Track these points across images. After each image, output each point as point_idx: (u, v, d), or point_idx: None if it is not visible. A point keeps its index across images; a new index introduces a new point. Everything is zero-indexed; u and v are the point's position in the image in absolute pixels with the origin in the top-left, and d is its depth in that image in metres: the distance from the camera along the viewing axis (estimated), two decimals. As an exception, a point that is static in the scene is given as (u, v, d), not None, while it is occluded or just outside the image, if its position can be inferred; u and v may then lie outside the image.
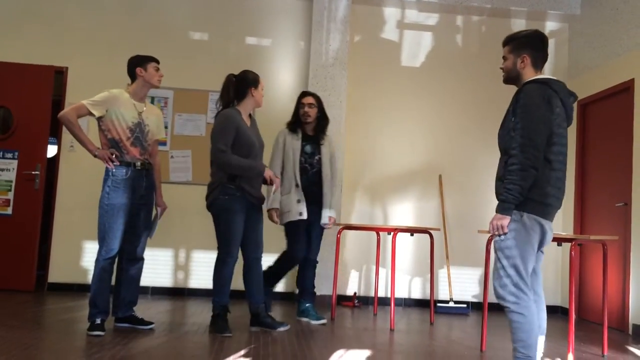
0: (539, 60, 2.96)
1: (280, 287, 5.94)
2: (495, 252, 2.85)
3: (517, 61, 2.95)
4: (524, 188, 2.70)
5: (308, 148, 4.68)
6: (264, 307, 4.22)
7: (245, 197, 4.06)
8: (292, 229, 4.56)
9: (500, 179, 2.90)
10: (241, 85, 4.15)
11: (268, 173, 4.11)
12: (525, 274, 2.78)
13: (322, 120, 4.77)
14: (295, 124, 4.73)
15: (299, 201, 4.53)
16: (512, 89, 2.99)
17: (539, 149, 2.70)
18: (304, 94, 4.80)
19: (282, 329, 4.17)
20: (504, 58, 3.01)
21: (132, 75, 4.05)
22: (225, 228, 4.04)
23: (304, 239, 4.61)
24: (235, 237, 4.04)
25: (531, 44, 2.94)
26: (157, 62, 4.12)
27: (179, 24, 6.12)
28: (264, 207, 4.32)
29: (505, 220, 2.75)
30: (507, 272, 2.78)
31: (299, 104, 4.74)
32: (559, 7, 6.21)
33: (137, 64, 4.04)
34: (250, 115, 4.25)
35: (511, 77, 3.00)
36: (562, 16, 6.32)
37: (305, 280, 4.73)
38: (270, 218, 4.57)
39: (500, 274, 2.80)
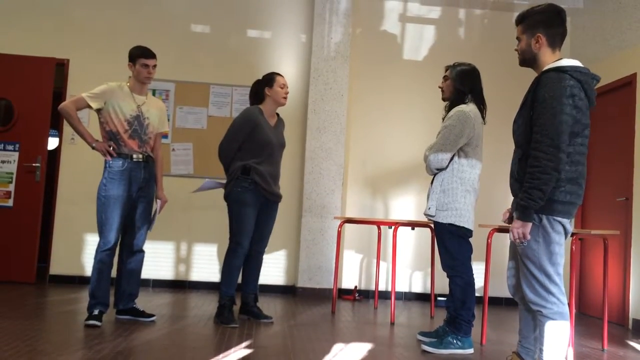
0: (557, 37, 2.67)
1: (280, 280, 5.96)
2: (521, 258, 2.65)
3: (532, 42, 2.66)
4: (545, 192, 2.48)
5: None
6: (253, 298, 4.35)
7: (258, 190, 4.13)
8: None
9: (515, 177, 2.69)
10: (258, 88, 4.30)
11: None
12: (556, 276, 2.57)
13: None
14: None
15: None
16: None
17: (561, 149, 2.46)
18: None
19: (265, 320, 4.26)
20: (518, 39, 2.73)
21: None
22: (237, 219, 4.12)
23: None
24: (246, 229, 4.12)
25: (546, 21, 2.66)
26: (149, 56, 3.99)
27: (181, 17, 6.10)
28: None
29: (528, 227, 2.54)
30: (535, 277, 2.57)
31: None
32: (562, 1, 6.15)
33: (129, 57, 4.04)
34: (277, 115, 4.36)
35: (527, 59, 2.72)
36: (565, 10, 6.27)
37: None
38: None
39: (529, 279, 2.60)
